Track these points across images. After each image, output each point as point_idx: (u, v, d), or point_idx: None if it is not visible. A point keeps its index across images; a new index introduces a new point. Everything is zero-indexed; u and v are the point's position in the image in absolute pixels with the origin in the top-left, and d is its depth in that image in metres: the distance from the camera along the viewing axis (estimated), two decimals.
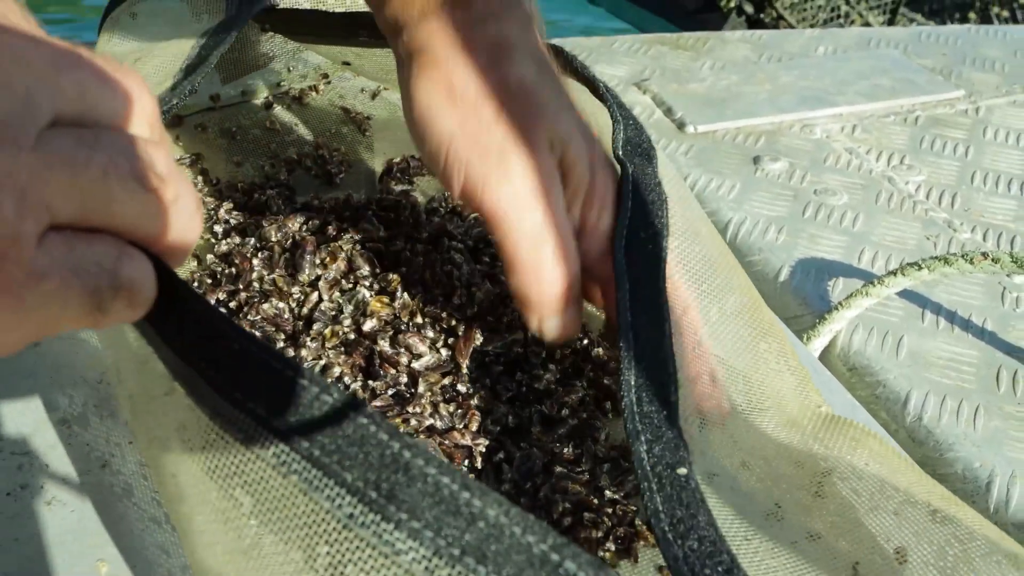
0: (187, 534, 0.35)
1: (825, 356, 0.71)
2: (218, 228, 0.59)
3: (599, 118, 0.50)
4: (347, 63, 0.74)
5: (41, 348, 0.52)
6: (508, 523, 0.26)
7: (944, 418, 0.64)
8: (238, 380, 0.30)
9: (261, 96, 0.76)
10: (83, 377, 0.50)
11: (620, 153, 0.46)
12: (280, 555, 0.30)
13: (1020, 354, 0.70)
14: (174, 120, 0.71)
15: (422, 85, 0.44)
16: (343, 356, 0.48)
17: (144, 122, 0.29)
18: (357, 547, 0.28)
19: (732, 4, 1.63)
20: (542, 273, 0.43)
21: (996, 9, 1.89)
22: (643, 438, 0.37)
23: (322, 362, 0.48)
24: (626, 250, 0.43)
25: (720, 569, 0.33)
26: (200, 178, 0.64)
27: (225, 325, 0.30)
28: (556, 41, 1.15)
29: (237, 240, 0.57)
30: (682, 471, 0.37)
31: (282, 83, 0.77)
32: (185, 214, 0.30)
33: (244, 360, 0.30)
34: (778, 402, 0.48)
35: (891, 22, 1.96)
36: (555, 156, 0.43)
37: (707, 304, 0.48)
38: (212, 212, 0.60)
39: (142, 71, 0.60)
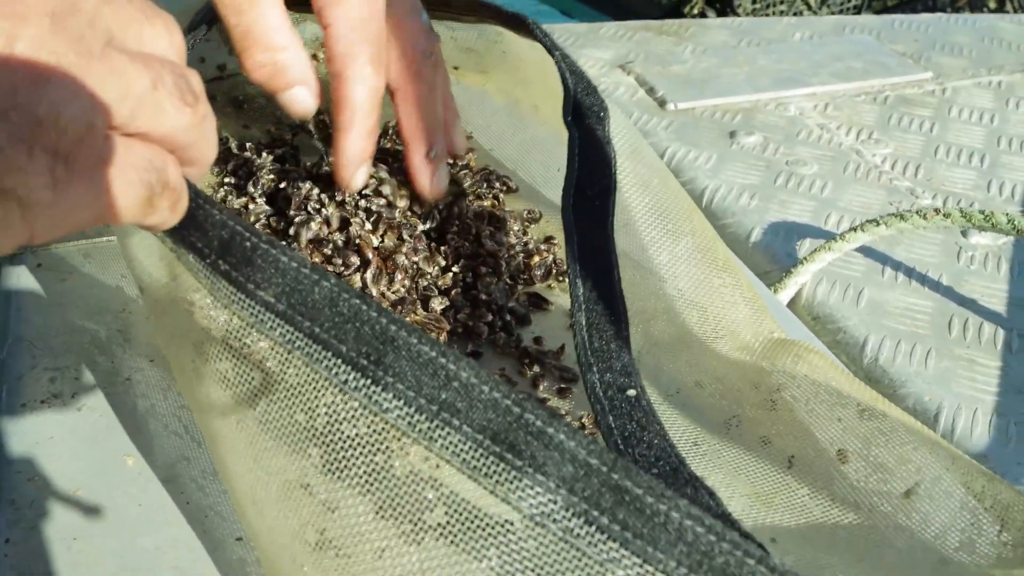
0: (204, 412, 0.40)
1: (791, 307, 0.76)
2: (229, 180, 0.64)
3: (551, 82, 0.55)
4: None
5: (68, 283, 0.57)
6: (478, 383, 0.31)
7: (898, 359, 0.69)
8: (251, 272, 0.35)
9: None
10: (108, 306, 0.55)
11: (569, 118, 0.51)
12: (286, 418, 0.36)
13: (971, 305, 0.75)
14: None
15: None
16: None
17: (176, 53, 0.34)
18: (351, 408, 0.33)
19: (695, 12, 1.68)
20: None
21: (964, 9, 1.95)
22: (595, 368, 0.42)
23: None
24: (574, 207, 0.48)
25: (668, 468, 0.39)
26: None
27: (240, 226, 0.36)
28: (543, 26, 1.19)
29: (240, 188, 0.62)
30: (632, 392, 0.42)
31: None
32: (211, 131, 0.35)
33: (255, 254, 0.35)
34: (732, 330, 0.54)
35: None
36: None
37: (656, 250, 0.54)
38: (222, 168, 0.65)
39: None
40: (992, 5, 2.10)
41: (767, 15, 1.83)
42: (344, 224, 0.54)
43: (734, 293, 0.56)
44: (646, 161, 0.61)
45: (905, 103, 1.07)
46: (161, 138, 0.33)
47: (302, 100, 0.50)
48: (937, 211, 0.72)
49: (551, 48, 0.55)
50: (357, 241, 0.54)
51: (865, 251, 0.80)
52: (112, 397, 0.50)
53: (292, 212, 0.56)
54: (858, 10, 1.66)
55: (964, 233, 0.83)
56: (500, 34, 0.63)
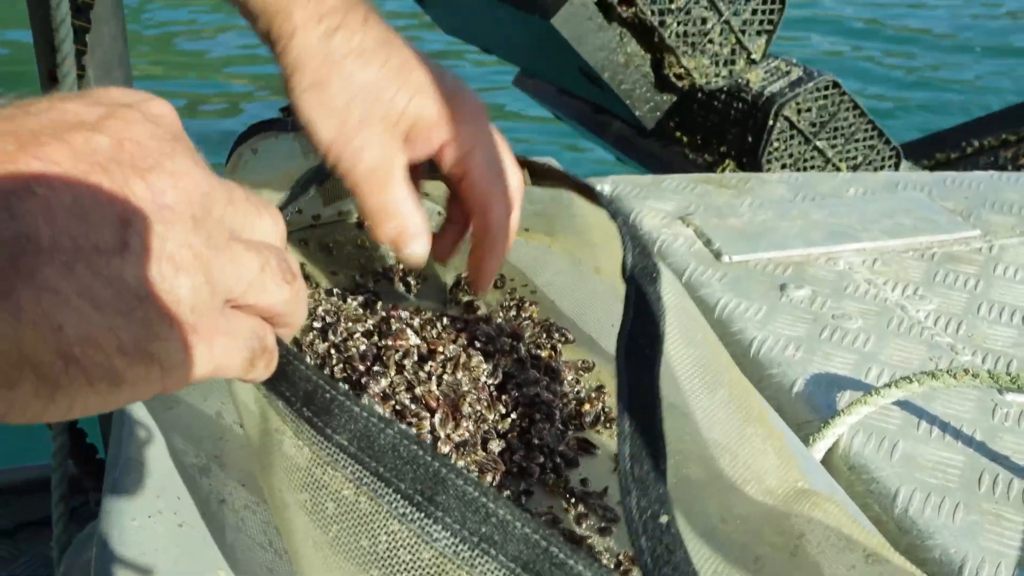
0: (289, 534, 0.48)
1: (829, 456, 0.81)
2: (317, 324, 0.73)
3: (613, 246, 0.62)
4: (425, 193, 0.88)
5: (174, 411, 0.65)
6: (512, 519, 0.38)
7: (927, 511, 0.73)
8: (329, 419, 0.43)
9: (354, 217, 0.90)
10: (207, 434, 0.63)
11: (628, 276, 0.58)
12: (353, 543, 0.43)
13: (1003, 461, 0.79)
14: None
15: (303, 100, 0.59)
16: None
17: (279, 239, 0.43)
18: (407, 536, 0.40)
19: (729, 170, 1.78)
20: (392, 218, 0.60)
21: None
22: (633, 494, 0.48)
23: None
24: (626, 353, 0.55)
25: None
26: (305, 282, 0.78)
27: (321, 380, 0.44)
28: (612, 178, 1.28)
29: (324, 336, 0.70)
30: (664, 519, 0.48)
31: None
32: (304, 302, 0.44)
33: (333, 404, 0.43)
34: (760, 477, 0.60)
35: None
36: (399, 128, 0.60)
37: (696, 399, 0.60)
38: (312, 311, 0.74)
39: None
40: None
41: None
42: (410, 387, 0.62)
43: (764, 443, 0.62)
44: (690, 317, 0.68)
45: (952, 260, 1.13)
46: (264, 309, 0.41)
47: (421, 252, 0.62)
48: (966, 371, 0.77)
49: (613, 215, 0.63)
50: (424, 399, 0.61)
51: (902, 404, 0.84)
52: (208, 515, 0.57)
53: (364, 367, 0.64)
54: (895, 167, 1.73)
55: (999, 390, 0.87)
56: (571, 199, 0.72)
